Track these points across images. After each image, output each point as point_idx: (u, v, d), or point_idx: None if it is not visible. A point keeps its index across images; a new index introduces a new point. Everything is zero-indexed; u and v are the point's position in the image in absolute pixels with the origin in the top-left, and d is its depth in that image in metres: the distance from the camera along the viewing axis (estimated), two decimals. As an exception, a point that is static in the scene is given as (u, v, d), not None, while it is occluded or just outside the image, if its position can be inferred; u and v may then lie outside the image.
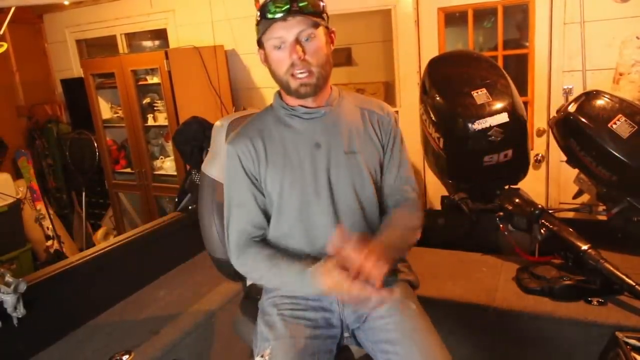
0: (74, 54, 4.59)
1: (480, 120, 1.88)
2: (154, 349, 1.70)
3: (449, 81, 2.05)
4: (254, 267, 1.29)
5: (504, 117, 1.88)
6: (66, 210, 4.71)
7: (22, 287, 1.60)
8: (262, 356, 1.19)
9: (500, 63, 2.83)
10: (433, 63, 2.16)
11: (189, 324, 1.86)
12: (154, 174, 3.88)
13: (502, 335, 1.73)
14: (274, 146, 1.28)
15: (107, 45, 4.45)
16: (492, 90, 1.93)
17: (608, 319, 1.57)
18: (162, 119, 3.71)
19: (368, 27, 3.56)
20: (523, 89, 2.79)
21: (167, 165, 3.87)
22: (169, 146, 3.86)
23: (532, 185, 2.27)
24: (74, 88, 4.35)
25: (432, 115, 2.03)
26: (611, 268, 1.62)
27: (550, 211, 1.91)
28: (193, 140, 2.59)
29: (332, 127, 1.29)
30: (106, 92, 4.06)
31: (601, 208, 2.01)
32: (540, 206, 1.86)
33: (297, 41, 1.18)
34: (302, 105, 1.27)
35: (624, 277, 1.59)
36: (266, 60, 1.25)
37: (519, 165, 2.06)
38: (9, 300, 1.59)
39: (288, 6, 1.15)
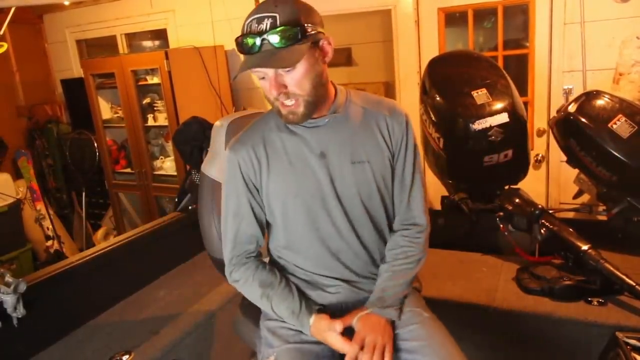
0: (74, 54, 4.59)
1: (481, 121, 1.88)
2: (154, 349, 1.70)
3: (449, 81, 2.05)
4: (246, 290, 1.29)
5: (504, 117, 1.88)
6: (66, 211, 4.71)
7: (22, 287, 1.60)
8: None
9: (500, 63, 2.83)
10: (433, 63, 2.16)
11: (189, 324, 1.86)
12: (154, 174, 3.88)
13: (502, 336, 1.73)
14: (277, 154, 1.23)
15: (107, 45, 4.45)
16: (492, 90, 1.93)
17: (608, 319, 1.57)
18: (162, 119, 3.71)
19: (368, 27, 3.56)
20: (523, 89, 2.80)
21: (167, 166, 3.87)
22: (169, 146, 3.86)
23: (532, 186, 2.27)
24: (74, 88, 4.35)
25: (432, 115, 2.03)
26: (611, 268, 1.62)
27: (550, 211, 1.91)
28: (193, 140, 2.58)
29: (338, 135, 1.22)
30: (106, 92, 4.06)
31: (601, 208, 2.01)
32: (540, 206, 1.86)
33: (277, 74, 1.11)
34: None
35: (624, 277, 1.59)
36: None
37: (519, 166, 2.06)
38: (9, 300, 1.59)
39: (259, 44, 1.07)
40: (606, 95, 1.83)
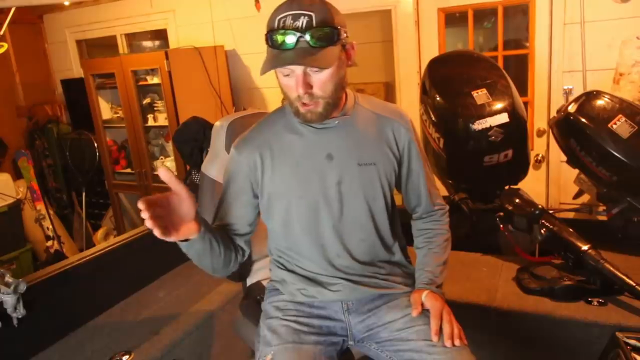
0: (74, 54, 4.59)
1: (481, 121, 1.88)
2: (154, 349, 1.70)
3: (449, 81, 2.05)
4: None
5: (504, 118, 1.88)
6: (66, 211, 4.71)
7: (22, 287, 1.60)
8: None
9: (500, 63, 2.83)
10: (433, 63, 2.16)
11: (189, 325, 1.86)
12: (154, 174, 3.88)
13: (502, 336, 1.73)
14: (283, 155, 1.23)
15: (107, 45, 4.45)
16: (492, 90, 1.93)
17: (608, 319, 1.57)
18: (162, 119, 3.71)
19: (368, 28, 3.56)
20: (523, 89, 2.80)
21: (167, 166, 3.87)
22: (169, 146, 3.87)
23: (532, 186, 2.27)
24: (74, 88, 4.36)
25: (432, 115, 2.03)
26: (611, 268, 1.62)
27: (550, 211, 1.91)
28: (193, 140, 2.59)
29: (346, 137, 1.23)
30: (106, 93, 4.07)
31: (601, 208, 2.01)
32: (540, 206, 1.86)
33: (305, 73, 1.09)
34: None
35: (624, 277, 1.59)
36: (276, 76, 1.18)
37: (519, 166, 2.06)
38: (9, 300, 1.59)
39: (295, 39, 1.06)
40: (606, 96, 1.83)
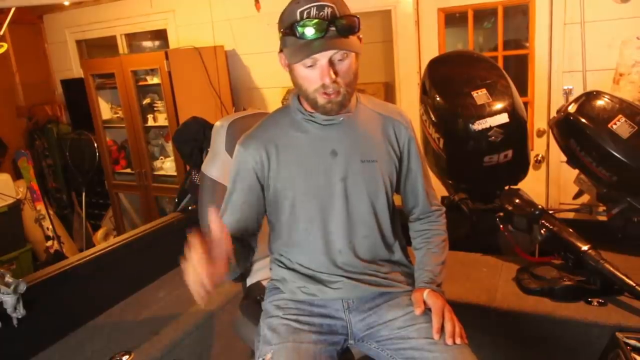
0: (74, 55, 4.59)
1: (481, 121, 1.88)
2: (154, 349, 1.70)
3: (449, 81, 2.05)
4: None
5: (504, 118, 1.88)
6: (66, 211, 4.71)
7: (22, 287, 1.60)
8: (263, 359, 1.19)
9: (500, 63, 2.83)
10: (433, 63, 2.16)
11: (189, 325, 1.86)
12: (154, 175, 3.88)
13: (502, 336, 1.73)
14: (288, 152, 1.24)
15: (107, 45, 4.45)
16: (492, 90, 1.93)
17: (608, 319, 1.57)
18: (162, 120, 3.71)
19: (368, 28, 3.55)
20: (523, 89, 2.80)
21: (167, 166, 3.87)
22: (169, 146, 3.87)
23: (532, 186, 2.27)
24: (74, 88, 4.36)
25: (432, 115, 2.03)
26: (611, 268, 1.62)
27: (550, 212, 1.91)
28: (193, 140, 2.59)
29: (350, 134, 1.25)
30: (106, 93, 4.07)
31: (601, 208, 2.01)
32: (540, 206, 1.86)
33: (331, 62, 1.12)
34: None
35: (624, 277, 1.59)
36: (289, 70, 1.19)
37: (519, 166, 2.06)
38: (9, 300, 1.59)
39: (325, 27, 1.08)
40: (606, 96, 1.83)
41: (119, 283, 2.11)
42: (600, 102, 1.82)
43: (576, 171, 2.05)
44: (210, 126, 1.75)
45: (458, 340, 1.15)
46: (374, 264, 1.30)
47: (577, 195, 2.20)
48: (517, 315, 1.69)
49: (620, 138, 1.73)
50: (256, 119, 1.36)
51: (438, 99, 2.00)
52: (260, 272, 1.61)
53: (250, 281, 1.62)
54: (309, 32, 1.09)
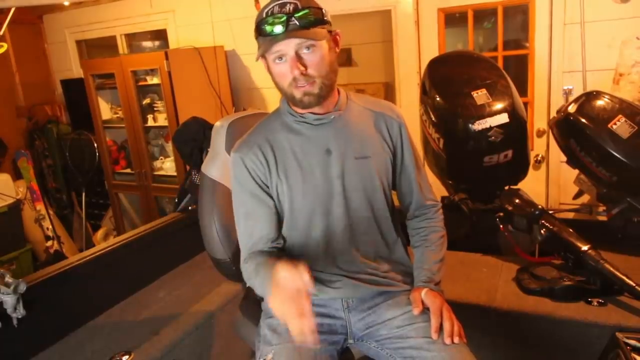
0: (73, 55, 4.59)
1: (481, 121, 1.88)
2: (154, 349, 1.70)
3: (449, 82, 2.05)
4: (248, 275, 1.26)
5: (504, 118, 1.88)
6: (66, 211, 4.71)
7: (22, 287, 1.60)
8: (264, 359, 1.19)
9: (500, 63, 2.83)
10: (433, 63, 2.16)
11: (189, 325, 1.86)
12: (154, 175, 3.88)
13: (502, 336, 1.73)
14: (284, 154, 1.25)
15: (107, 45, 4.45)
16: (492, 90, 1.93)
17: (608, 319, 1.57)
18: (162, 120, 3.71)
19: (368, 28, 3.56)
20: (523, 89, 2.80)
21: (167, 166, 3.87)
22: (169, 147, 3.87)
23: (532, 186, 2.26)
24: (74, 88, 4.36)
25: (432, 115, 2.03)
26: (611, 269, 1.62)
27: (550, 212, 1.91)
28: (193, 140, 2.59)
29: (342, 131, 1.26)
30: (106, 93, 4.06)
31: (601, 208, 2.01)
32: (540, 207, 1.86)
33: (298, 55, 1.14)
34: (311, 112, 1.23)
35: (624, 277, 1.59)
36: (269, 71, 1.21)
37: (519, 166, 2.06)
38: (9, 300, 1.59)
39: (284, 21, 1.11)
40: (606, 96, 1.83)
41: (119, 283, 2.11)
42: (600, 102, 1.82)
43: (576, 171, 2.05)
44: (210, 126, 1.75)
45: (456, 340, 1.15)
46: (374, 263, 1.30)
47: (577, 195, 2.20)
48: (517, 315, 1.69)
49: (620, 138, 1.73)
50: (256, 119, 1.37)
51: (438, 99, 2.00)
52: (260, 272, 1.61)
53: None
54: (271, 27, 1.12)
